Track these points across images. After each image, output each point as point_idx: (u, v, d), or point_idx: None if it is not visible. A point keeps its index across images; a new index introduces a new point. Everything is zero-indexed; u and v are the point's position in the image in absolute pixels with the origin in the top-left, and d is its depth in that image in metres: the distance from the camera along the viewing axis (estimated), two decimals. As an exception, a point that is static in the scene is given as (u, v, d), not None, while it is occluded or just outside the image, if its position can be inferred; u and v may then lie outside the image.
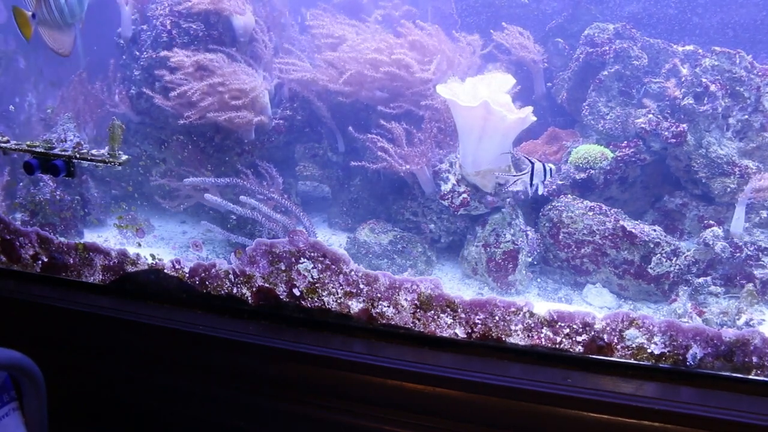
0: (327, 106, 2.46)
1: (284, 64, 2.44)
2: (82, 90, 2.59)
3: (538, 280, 2.15)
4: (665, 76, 2.25)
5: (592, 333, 1.23)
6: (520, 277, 2.06)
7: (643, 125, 2.18)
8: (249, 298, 1.41)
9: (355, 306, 1.34)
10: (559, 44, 2.66)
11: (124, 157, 1.43)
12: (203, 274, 1.43)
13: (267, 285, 1.39)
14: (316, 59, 2.45)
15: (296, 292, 1.37)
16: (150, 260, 1.49)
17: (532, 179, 1.81)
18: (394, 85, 2.32)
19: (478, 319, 1.28)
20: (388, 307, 1.32)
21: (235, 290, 1.41)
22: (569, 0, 2.69)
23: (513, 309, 1.26)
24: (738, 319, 1.68)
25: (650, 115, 2.19)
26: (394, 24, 2.64)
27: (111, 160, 1.41)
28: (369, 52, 2.29)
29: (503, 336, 1.27)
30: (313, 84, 2.40)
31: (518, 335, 1.27)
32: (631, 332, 1.22)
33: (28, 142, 1.44)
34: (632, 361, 1.23)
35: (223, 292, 1.42)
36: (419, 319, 1.31)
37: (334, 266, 1.33)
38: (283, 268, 1.37)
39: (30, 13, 1.65)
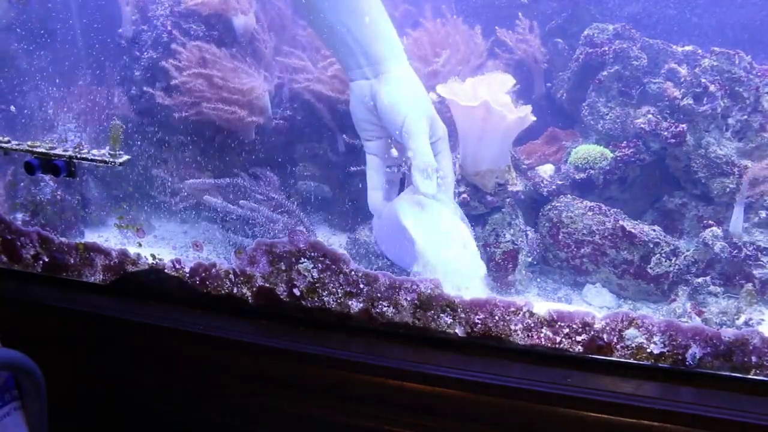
0: (327, 107, 2.46)
1: (285, 63, 2.44)
2: (83, 90, 2.59)
3: (538, 280, 2.15)
4: (664, 77, 2.26)
5: (592, 333, 1.24)
6: (520, 277, 2.07)
7: (642, 125, 2.18)
8: (249, 297, 1.41)
9: (355, 306, 1.34)
10: (558, 44, 2.66)
11: (125, 158, 1.44)
12: (203, 274, 1.43)
13: (267, 285, 1.39)
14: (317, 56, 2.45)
15: (296, 292, 1.37)
16: (150, 260, 1.49)
17: None
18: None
19: (477, 318, 1.28)
20: (388, 306, 1.32)
21: (235, 290, 1.42)
22: (569, 0, 2.69)
23: (513, 309, 1.27)
24: (737, 319, 1.68)
25: (649, 116, 2.19)
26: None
27: (111, 160, 1.42)
28: None
29: (503, 336, 1.28)
30: (314, 83, 2.40)
31: (518, 335, 1.27)
32: (631, 332, 1.22)
33: (29, 143, 1.45)
34: (632, 360, 1.23)
35: (223, 291, 1.43)
36: (419, 319, 1.32)
37: (334, 266, 1.33)
38: (284, 267, 1.37)
39: None
